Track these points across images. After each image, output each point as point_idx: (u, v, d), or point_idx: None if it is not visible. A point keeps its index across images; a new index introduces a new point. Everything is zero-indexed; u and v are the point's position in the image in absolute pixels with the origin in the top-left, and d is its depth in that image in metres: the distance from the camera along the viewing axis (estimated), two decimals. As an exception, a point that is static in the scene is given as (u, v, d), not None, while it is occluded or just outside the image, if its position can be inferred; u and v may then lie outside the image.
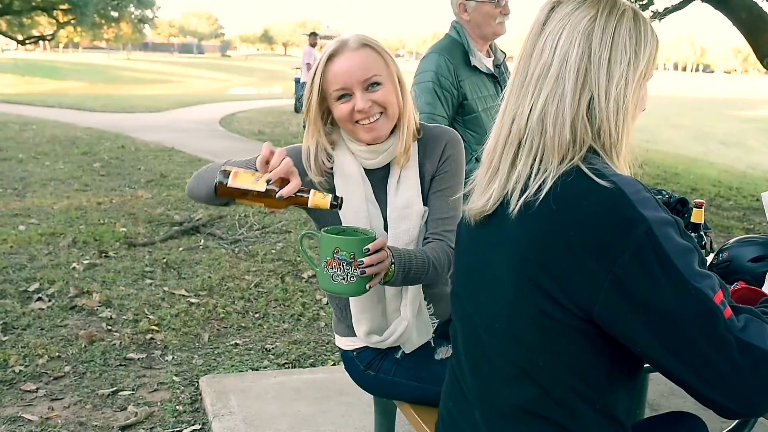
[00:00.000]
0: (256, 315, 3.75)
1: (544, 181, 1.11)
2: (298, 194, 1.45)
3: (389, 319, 1.78)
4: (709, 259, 2.20)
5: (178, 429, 2.59)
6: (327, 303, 3.93)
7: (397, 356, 1.82)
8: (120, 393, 2.84)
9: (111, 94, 23.35)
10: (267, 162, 1.46)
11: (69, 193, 6.59)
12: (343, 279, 1.44)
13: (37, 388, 2.84)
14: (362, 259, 1.43)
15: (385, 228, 1.73)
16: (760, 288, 1.68)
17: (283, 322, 3.67)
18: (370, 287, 1.47)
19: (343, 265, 1.43)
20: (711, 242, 2.24)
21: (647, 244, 1.01)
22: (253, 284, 4.19)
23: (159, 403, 2.77)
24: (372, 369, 1.84)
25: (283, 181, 1.44)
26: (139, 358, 3.16)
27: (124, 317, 3.61)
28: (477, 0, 2.63)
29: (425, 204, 1.75)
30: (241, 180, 1.45)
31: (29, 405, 2.72)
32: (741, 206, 7.88)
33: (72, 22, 27.57)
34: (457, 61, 2.64)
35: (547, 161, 1.13)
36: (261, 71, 55.47)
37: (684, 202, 2.36)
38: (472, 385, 1.27)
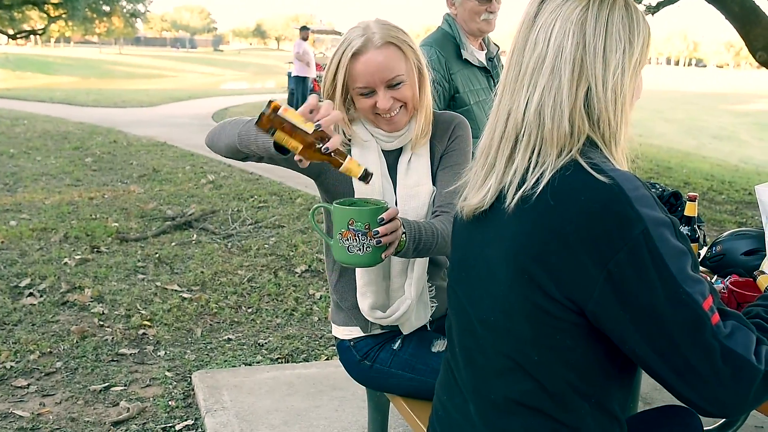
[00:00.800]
0: (249, 310, 3.74)
1: (542, 174, 1.10)
2: (338, 151, 1.41)
3: (392, 297, 1.80)
4: (703, 252, 2.20)
5: (170, 424, 2.58)
6: (320, 297, 3.93)
7: (395, 347, 1.83)
8: (112, 389, 2.82)
9: (103, 89, 23.24)
10: (311, 111, 1.43)
11: (60, 188, 6.56)
12: (359, 249, 1.46)
13: (29, 384, 2.82)
14: (377, 228, 1.44)
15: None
16: (753, 279, 1.68)
17: (276, 316, 3.66)
18: (385, 257, 1.49)
19: (358, 236, 1.45)
20: (704, 236, 2.24)
21: (643, 245, 1.01)
22: (246, 279, 4.18)
23: (151, 399, 2.76)
24: (368, 359, 1.85)
25: (325, 136, 1.41)
26: (131, 354, 3.14)
27: (116, 312, 3.59)
28: None
29: (434, 183, 1.80)
30: (291, 115, 1.39)
31: (20, 401, 2.70)
32: (734, 200, 7.91)
33: (63, 16, 27.36)
34: (448, 53, 2.63)
35: (545, 154, 1.12)
36: (254, 66, 55.33)
37: (677, 196, 2.36)
38: (467, 378, 1.26)
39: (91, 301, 3.72)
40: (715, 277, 1.92)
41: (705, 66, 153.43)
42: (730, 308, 1.10)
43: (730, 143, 19.16)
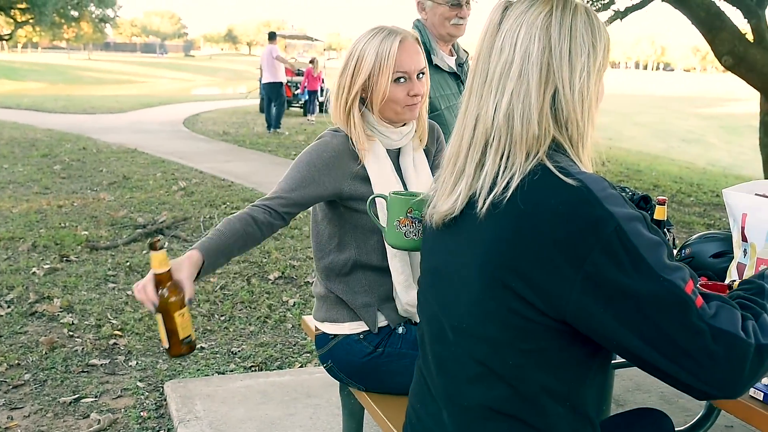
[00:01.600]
0: (222, 318, 3.71)
1: (511, 178, 1.11)
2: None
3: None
4: (672, 255, 2.22)
5: (142, 436, 2.54)
6: (294, 304, 3.91)
7: (400, 332, 1.91)
8: (82, 400, 2.78)
9: (72, 95, 22.95)
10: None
11: (28, 196, 6.46)
12: (415, 235, 1.66)
13: (-4, 397, 2.77)
14: None
15: None
16: (723, 283, 1.70)
17: (249, 324, 3.64)
18: None
19: (415, 223, 1.66)
20: (673, 239, 2.26)
21: (617, 241, 1.02)
22: (218, 287, 4.15)
23: (123, 410, 2.72)
24: (380, 347, 1.89)
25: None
26: (102, 364, 3.10)
27: (86, 322, 3.54)
28: (433, 0, 2.63)
29: None
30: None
31: (-12, 415, 2.65)
32: (702, 202, 8.03)
33: (30, 21, 27.01)
34: None
35: (514, 157, 1.13)
36: (225, 71, 55.03)
37: (647, 200, 2.39)
38: (440, 385, 1.26)
39: (61, 312, 3.66)
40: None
41: (673, 70, 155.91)
42: None
43: (698, 146, 19.47)
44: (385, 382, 1.90)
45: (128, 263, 4.48)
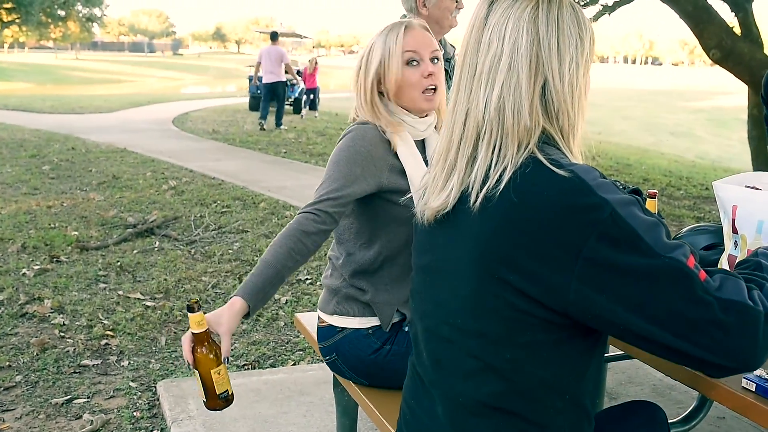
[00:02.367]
0: (214, 316, 3.69)
1: (504, 171, 1.11)
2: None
3: None
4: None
5: (135, 436, 2.53)
6: (285, 302, 3.90)
7: (405, 329, 1.89)
8: (75, 401, 2.77)
9: (60, 95, 22.81)
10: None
11: (17, 197, 6.42)
12: None
13: (-13, 400, 2.75)
14: None
15: None
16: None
17: (242, 323, 3.63)
18: None
19: None
20: (664, 232, 2.27)
21: (613, 225, 1.03)
22: (210, 285, 4.14)
23: (116, 410, 2.71)
24: (388, 344, 1.88)
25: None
26: (93, 365, 3.09)
27: (77, 323, 3.52)
28: None
29: None
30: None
31: (-21, 417, 2.63)
32: (691, 195, 8.07)
33: (17, 21, 26.85)
34: None
35: (505, 150, 1.13)
36: (214, 69, 54.86)
37: (638, 193, 2.39)
38: (435, 381, 1.26)
39: (51, 312, 3.64)
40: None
41: (661, 64, 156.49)
42: None
43: (686, 139, 19.56)
44: (387, 379, 1.89)
45: (119, 263, 4.46)
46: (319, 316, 1.98)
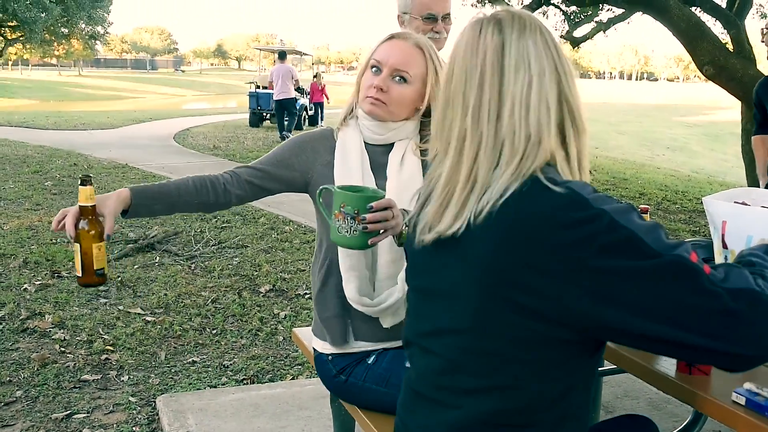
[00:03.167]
0: (214, 331, 3.72)
1: (504, 191, 1.12)
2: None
3: (379, 287, 1.81)
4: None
5: (135, 450, 2.55)
6: (285, 317, 3.92)
7: (369, 361, 1.84)
8: (74, 416, 2.78)
9: (62, 111, 22.91)
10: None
11: (19, 212, 6.45)
12: (347, 232, 1.56)
13: (-12, 414, 2.77)
14: (364, 215, 1.53)
15: None
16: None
17: (241, 337, 3.65)
18: (372, 243, 1.57)
19: (347, 219, 1.55)
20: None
21: (614, 233, 1.04)
22: (209, 300, 4.16)
23: (115, 425, 2.72)
24: (344, 374, 1.85)
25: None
26: (93, 380, 3.10)
27: (77, 338, 3.54)
28: (410, 14, 2.66)
29: None
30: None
31: (-21, 432, 2.65)
32: (687, 209, 8.09)
33: (21, 39, 27.01)
34: None
35: (509, 171, 1.14)
36: (215, 86, 55.06)
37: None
38: (431, 398, 1.26)
39: (52, 327, 3.66)
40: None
41: (656, 79, 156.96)
42: None
43: (682, 154, 19.60)
44: (357, 402, 1.88)
45: (120, 278, 4.49)
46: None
